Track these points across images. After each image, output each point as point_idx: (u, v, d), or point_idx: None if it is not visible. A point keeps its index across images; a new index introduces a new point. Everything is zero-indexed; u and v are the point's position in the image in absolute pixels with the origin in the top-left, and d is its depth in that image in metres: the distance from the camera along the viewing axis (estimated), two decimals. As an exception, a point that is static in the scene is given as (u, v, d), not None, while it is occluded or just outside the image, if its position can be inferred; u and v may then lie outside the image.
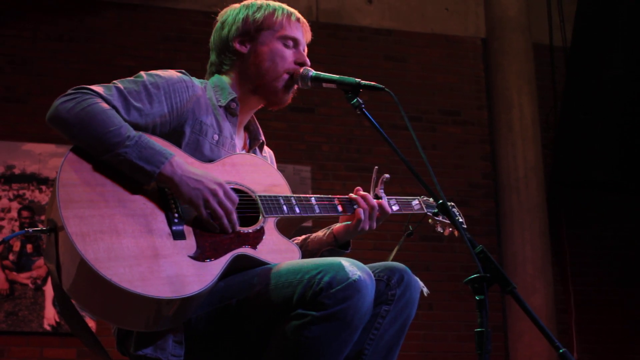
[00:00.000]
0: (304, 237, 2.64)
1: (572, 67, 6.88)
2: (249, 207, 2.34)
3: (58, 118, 2.17)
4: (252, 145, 2.61)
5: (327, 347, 2.07)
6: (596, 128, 6.56)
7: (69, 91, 2.21)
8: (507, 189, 6.96)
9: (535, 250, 6.77)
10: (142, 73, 2.34)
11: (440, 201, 2.17)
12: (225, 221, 2.22)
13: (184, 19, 6.69)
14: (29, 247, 5.92)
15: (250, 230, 2.29)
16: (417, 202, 2.78)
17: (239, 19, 2.53)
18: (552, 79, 7.41)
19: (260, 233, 2.30)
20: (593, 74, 6.57)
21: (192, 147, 2.35)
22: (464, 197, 6.84)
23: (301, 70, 2.50)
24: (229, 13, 2.57)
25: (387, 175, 2.66)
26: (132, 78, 2.33)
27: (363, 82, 2.37)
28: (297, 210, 2.42)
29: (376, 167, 2.68)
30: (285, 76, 2.50)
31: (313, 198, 2.48)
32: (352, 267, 2.08)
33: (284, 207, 2.39)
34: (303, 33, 2.56)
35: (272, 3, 2.57)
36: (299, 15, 2.58)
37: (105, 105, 2.19)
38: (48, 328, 5.81)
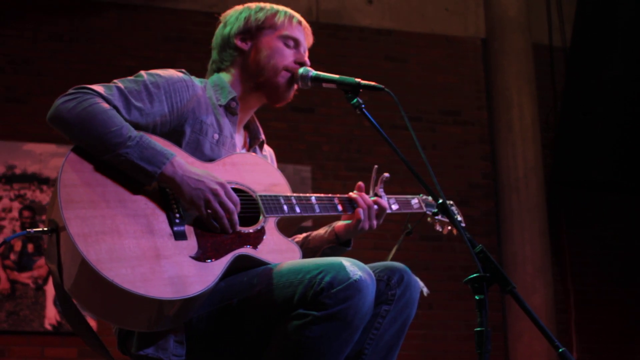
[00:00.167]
0: (305, 234, 2.65)
1: (571, 67, 6.89)
2: (250, 206, 2.35)
3: (59, 118, 2.18)
4: (252, 144, 2.62)
5: (328, 346, 2.07)
6: (596, 128, 6.56)
7: (70, 91, 2.21)
8: (507, 189, 6.97)
9: (535, 250, 6.78)
10: (143, 72, 2.35)
11: (440, 200, 2.17)
12: (226, 221, 2.23)
13: (184, 20, 6.70)
14: (30, 247, 5.93)
15: (251, 230, 2.30)
16: (417, 200, 2.79)
17: (242, 18, 2.55)
18: (551, 79, 7.41)
19: (261, 233, 2.31)
20: (593, 74, 6.58)
21: (192, 146, 2.35)
22: (464, 197, 6.84)
23: (301, 69, 2.51)
24: (232, 13, 2.60)
25: (386, 175, 2.67)
26: (132, 77, 2.33)
27: (363, 82, 2.38)
28: (298, 209, 2.42)
29: (376, 166, 2.69)
30: (286, 73, 2.51)
31: (313, 197, 2.49)
32: (353, 267, 2.09)
33: (285, 207, 2.39)
34: (305, 36, 2.58)
35: (275, 5, 2.59)
36: (302, 19, 2.60)
37: (106, 105, 2.20)
38: (49, 328, 5.82)
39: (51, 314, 5.82)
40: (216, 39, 2.59)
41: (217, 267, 2.16)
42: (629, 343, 7.11)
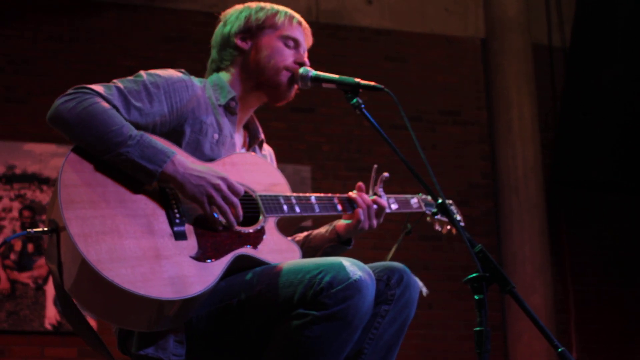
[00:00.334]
0: (306, 233, 2.65)
1: (571, 67, 6.89)
2: (250, 206, 2.35)
3: (59, 118, 2.18)
4: (252, 143, 2.62)
5: (328, 346, 2.08)
6: (595, 128, 6.57)
7: (70, 91, 2.22)
8: (506, 188, 6.97)
9: (535, 250, 6.78)
10: (142, 72, 2.35)
11: (440, 200, 2.18)
12: (231, 215, 2.23)
13: (184, 20, 6.70)
14: (30, 247, 5.93)
15: (251, 230, 2.30)
16: (416, 200, 2.79)
17: (242, 17, 2.55)
18: (551, 79, 7.41)
19: (261, 233, 2.31)
20: (592, 74, 6.58)
21: (192, 146, 2.36)
22: (464, 197, 6.85)
23: (301, 70, 2.51)
24: (232, 12, 2.60)
25: (386, 174, 2.67)
26: (132, 77, 2.33)
27: (362, 82, 2.38)
28: (298, 209, 2.43)
29: (375, 165, 2.69)
30: (286, 72, 2.51)
31: (313, 197, 2.49)
32: (352, 267, 2.09)
33: (285, 207, 2.40)
34: (304, 36, 2.58)
35: (275, 5, 2.59)
36: (302, 20, 2.60)
37: (106, 105, 2.20)
38: (49, 327, 5.82)
39: (51, 314, 5.83)
40: (216, 38, 2.60)
41: (217, 267, 2.16)
42: (628, 343, 7.11)
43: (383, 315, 2.30)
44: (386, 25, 7.26)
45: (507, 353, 6.72)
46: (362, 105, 2.35)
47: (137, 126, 2.25)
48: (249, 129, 2.64)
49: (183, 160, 2.22)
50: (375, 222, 2.58)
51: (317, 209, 2.48)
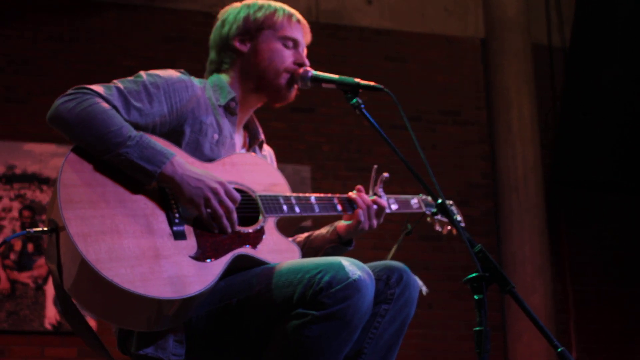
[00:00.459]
0: (307, 234, 2.65)
1: (571, 67, 6.89)
2: (249, 206, 2.35)
3: (59, 118, 2.18)
4: (252, 144, 2.62)
5: (327, 346, 2.08)
6: (595, 128, 6.57)
7: (69, 91, 2.22)
8: (506, 188, 6.97)
9: (534, 250, 6.78)
10: (142, 73, 2.35)
11: (440, 200, 2.18)
12: (224, 220, 2.23)
13: (184, 20, 6.70)
14: (30, 247, 5.93)
15: (250, 230, 2.30)
16: (416, 200, 2.79)
17: (240, 18, 2.54)
18: (551, 79, 7.41)
19: (260, 233, 2.31)
20: (592, 74, 6.58)
21: (192, 146, 2.36)
22: (464, 197, 6.85)
23: (301, 70, 2.51)
24: (230, 12, 2.58)
25: (386, 174, 2.67)
26: (131, 78, 2.33)
27: (362, 82, 2.38)
28: (297, 209, 2.43)
29: (375, 165, 2.69)
30: (286, 75, 2.51)
31: (313, 197, 2.49)
32: (352, 266, 2.09)
33: (284, 207, 2.40)
34: (303, 34, 2.58)
35: (273, 3, 2.58)
36: (300, 17, 2.59)
37: (105, 105, 2.20)
38: (49, 327, 5.82)
39: (51, 314, 5.83)
40: (214, 39, 2.59)
41: (216, 267, 2.16)
42: (628, 343, 7.11)
43: (383, 315, 2.30)
44: (386, 25, 7.26)
45: (506, 353, 6.72)
46: (362, 105, 2.35)
47: (137, 126, 2.25)
48: (249, 129, 2.64)
49: (182, 162, 2.22)
50: (375, 222, 2.58)
51: (316, 209, 2.48)
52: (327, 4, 7.08)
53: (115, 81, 2.30)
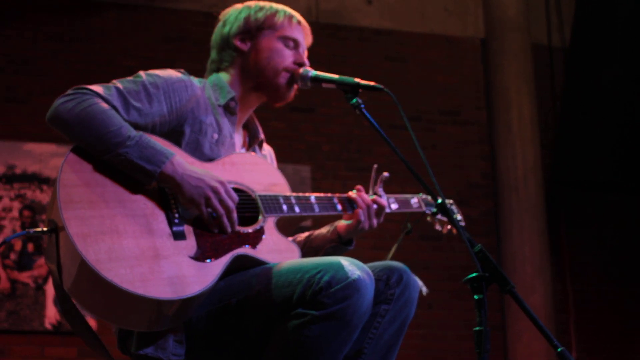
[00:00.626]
0: (307, 234, 2.65)
1: (571, 67, 6.89)
2: (249, 206, 2.35)
3: (58, 118, 2.18)
4: (252, 143, 2.62)
5: (327, 346, 2.08)
6: (595, 128, 6.57)
7: (69, 91, 2.22)
8: (506, 188, 6.97)
9: (534, 250, 6.78)
10: (141, 73, 2.35)
11: (440, 200, 2.18)
12: (225, 220, 2.23)
13: (184, 20, 6.70)
14: (30, 247, 5.93)
15: (250, 230, 2.30)
16: (416, 200, 2.80)
17: (241, 18, 2.55)
18: (551, 79, 7.41)
19: (260, 233, 2.31)
20: (592, 74, 6.59)
21: (192, 146, 2.36)
22: (464, 197, 6.84)
23: (301, 70, 2.51)
24: (231, 12, 2.59)
25: (386, 174, 2.67)
26: (131, 78, 2.33)
27: (362, 82, 2.38)
28: (297, 209, 2.43)
29: (375, 165, 2.69)
30: (285, 74, 2.51)
31: (312, 197, 2.49)
32: (351, 266, 2.09)
33: (284, 207, 2.40)
34: (304, 36, 2.58)
35: (274, 5, 2.58)
36: (301, 19, 2.59)
37: (105, 105, 2.20)
38: (49, 327, 5.82)
39: (51, 314, 5.83)
40: (215, 38, 2.59)
41: (216, 267, 2.16)
42: (628, 343, 7.11)
43: (383, 315, 2.30)
44: (386, 25, 7.26)
45: (506, 353, 6.72)
46: (362, 105, 2.35)
47: (137, 126, 2.25)
48: (248, 128, 2.64)
49: (182, 162, 2.22)
50: (375, 221, 2.58)
51: (316, 209, 2.48)
52: (327, 4, 7.08)
53: (114, 81, 2.30)
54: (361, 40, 7.15)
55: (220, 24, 2.60)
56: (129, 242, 2.08)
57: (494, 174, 7.13)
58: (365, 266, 2.14)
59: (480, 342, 1.92)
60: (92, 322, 2.28)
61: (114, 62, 6.41)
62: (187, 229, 2.20)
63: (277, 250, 2.31)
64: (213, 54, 2.59)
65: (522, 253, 6.77)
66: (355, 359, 2.30)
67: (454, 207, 2.89)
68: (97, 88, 2.24)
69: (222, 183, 2.24)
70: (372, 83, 2.38)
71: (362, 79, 2.40)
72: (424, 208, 2.81)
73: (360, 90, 2.38)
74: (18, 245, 5.92)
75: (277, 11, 2.56)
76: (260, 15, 2.54)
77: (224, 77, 2.53)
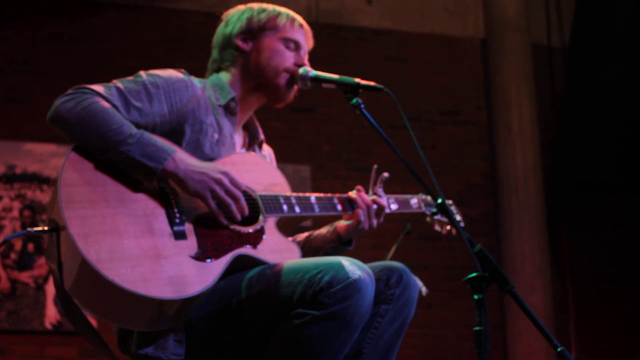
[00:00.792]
0: (307, 234, 2.66)
1: (571, 67, 6.90)
2: (250, 206, 2.35)
3: (59, 118, 2.19)
4: (252, 143, 2.62)
5: (327, 346, 2.08)
6: (595, 128, 6.58)
7: (69, 91, 2.22)
8: (506, 188, 6.98)
9: (534, 249, 6.79)
10: (142, 73, 2.35)
11: (439, 200, 2.18)
12: (234, 208, 2.24)
13: (184, 20, 6.70)
14: (30, 247, 5.93)
15: (250, 230, 2.30)
16: (416, 200, 2.80)
17: (244, 18, 2.56)
18: (551, 79, 7.42)
19: (260, 233, 2.32)
20: (592, 74, 6.59)
21: (192, 146, 2.36)
22: (463, 197, 6.85)
23: (300, 70, 2.51)
24: (234, 13, 2.60)
25: (386, 174, 2.68)
26: (131, 78, 2.33)
27: (362, 82, 2.38)
28: (297, 209, 2.43)
29: (375, 165, 2.70)
30: (286, 74, 2.52)
31: (313, 197, 2.49)
32: (352, 266, 2.09)
33: (284, 207, 2.40)
34: (305, 39, 2.59)
35: (277, 7, 2.59)
36: (303, 22, 2.60)
37: (105, 104, 2.20)
38: (49, 327, 5.83)
39: (51, 314, 5.83)
40: (217, 38, 2.60)
41: (216, 267, 2.17)
42: (628, 343, 7.11)
43: (383, 315, 2.30)
44: (386, 25, 7.26)
45: (506, 353, 6.73)
46: (362, 105, 2.35)
47: (137, 126, 2.25)
48: (248, 129, 2.64)
49: (184, 157, 2.22)
50: (375, 222, 2.58)
51: (316, 209, 2.48)
52: (327, 4, 7.08)
53: (115, 81, 2.30)
54: (361, 40, 7.16)
55: (222, 24, 2.60)
56: (129, 242, 2.09)
57: (494, 174, 7.13)
58: (365, 266, 2.15)
59: (480, 342, 1.92)
60: (92, 322, 2.28)
61: (114, 62, 6.41)
62: (188, 229, 2.20)
63: (278, 250, 2.31)
64: (214, 54, 2.60)
65: (522, 253, 6.77)
66: (355, 359, 2.30)
67: (453, 208, 2.89)
68: (97, 87, 2.24)
69: (225, 173, 2.25)
70: (372, 83, 2.38)
71: (362, 79, 2.40)
72: (423, 209, 2.81)
73: (360, 90, 2.38)
74: (18, 245, 5.92)
75: (279, 13, 2.57)
76: (263, 16, 2.55)
77: (224, 77, 2.54)
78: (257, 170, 2.45)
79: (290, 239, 2.42)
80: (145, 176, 2.18)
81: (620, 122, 6.50)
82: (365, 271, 2.11)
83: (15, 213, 5.96)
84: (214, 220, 2.25)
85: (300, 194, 2.47)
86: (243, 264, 2.24)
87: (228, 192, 2.23)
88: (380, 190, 2.66)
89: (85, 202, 2.10)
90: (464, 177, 7.10)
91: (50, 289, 5.82)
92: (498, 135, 7.12)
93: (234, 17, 2.58)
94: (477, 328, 1.93)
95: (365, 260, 2.21)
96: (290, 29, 2.55)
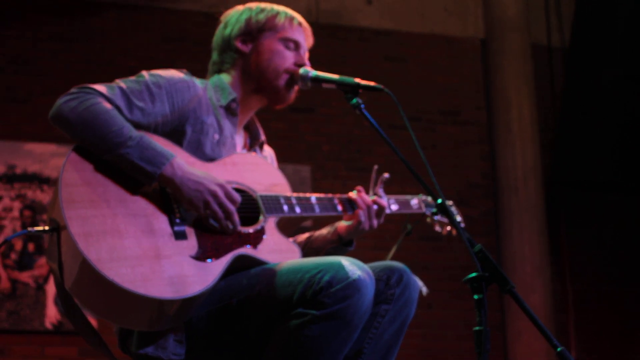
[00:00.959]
0: (307, 234, 2.66)
1: (570, 67, 6.90)
2: (250, 206, 2.36)
3: (61, 117, 2.19)
4: (253, 144, 2.62)
5: (327, 345, 2.08)
6: (595, 128, 6.58)
7: (72, 90, 2.23)
8: (506, 189, 6.98)
9: (534, 249, 6.79)
10: (144, 72, 2.35)
11: (439, 200, 2.18)
12: (225, 222, 2.24)
13: (184, 20, 6.70)
14: (30, 247, 5.93)
15: (251, 230, 2.30)
16: (416, 201, 2.80)
17: (242, 19, 2.55)
18: (550, 79, 7.42)
19: (261, 233, 2.32)
20: (592, 74, 6.59)
21: (193, 146, 2.36)
22: (463, 197, 6.85)
23: (300, 70, 2.51)
24: (232, 14, 2.59)
25: (386, 175, 2.68)
26: (133, 78, 2.34)
27: (362, 82, 2.38)
28: (298, 210, 2.43)
29: (376, 166, 2.70)
30: (286, 75, 2.52)
31: (313, 197, 2.49)
32: (352, 266, 2.10)
33: (285, 207, 2.40)
34: (305, 37, 2.58)
35: (275, 7, 2.59)
36: (302, 20, 2.60)
37: (107, 105, 2.21)
38: (49, 327, 5.83)
39: (52, 313, 5.83)
40: (216, 40, 2.60)
41: (217, 267, 2.17)
42: (628, 343, 7.11)
43: (383, 315, 2.31)
44: (386, 25, 7.26)
45: (506, 353, 6.73)
46: (362, 106, 2.36)
47: (139, 126, 2.25)
48: (249, 130, 2.64)
49: (182, 164, 2.22)
50: (375, 222, 2.58)
51: (317, 210, 2.48)
52: (327, 5, 7.08)
53: (117, 81, 2.31)
54: (361, 40, 7.16)
55: (221, 25, 2.60)
56: (130, 242, 2.09)
57: (494, 174, 7.13)
58: (365, 266, 2.15)
59: (480, 341, 1.92)
60: (92, 322, 2.28)
61: (114, 62, 6.41)
62: (188, 229, 2.20)
63: (278, 251, 2.31)
64: (214, 56, 2.60)
65: (522, 253, 6.78)
66: (355, 359, 2.30)
67: (453, 208, 2.89)
68: (100, 87, 2.24)
69: (221, 186, 2.24)
70: (372, 83, 2.38)
71: (362, 79, 2.40)
72: (423, 209, 2.82)
73: (360, 91, 2.38)
74: (18, 245, 5.92)
75: (278, 13, 2.56)
76: (262, 16, 2.54)
77: (225, 78, 2.54)
78: (257, 170, 2.45)
79: (290, 239, 2.42)
80: (144, 179, 2.19)
81: (620, 122, 6.50)
82: (365, 271, 2.11)
83: (16, 213, 5.96)
84: None
85: (301, 195, 2.47)
86: (243, 264, 2.25)
87: (222, 205, 2.23)
88: (380, 191, 2.66)
89: (86, 202, 2.11)
90: (463, 177, 7.10)
91: (51, 289, 5.83)
92: (498, 135, 7.12)
93: (232, 19, 2.57)
94: (477, 328, 1.93)
95: (365, 260, 2.21)
96: (289, 28, 2.55)
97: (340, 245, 2.59)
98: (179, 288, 2.07)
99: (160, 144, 2.23)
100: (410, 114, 6.69)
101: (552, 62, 7.43)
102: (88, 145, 2.18)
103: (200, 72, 2.63)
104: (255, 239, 2.29)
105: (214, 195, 2.22)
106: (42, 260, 5.88)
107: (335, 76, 2.45)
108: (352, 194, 2.57)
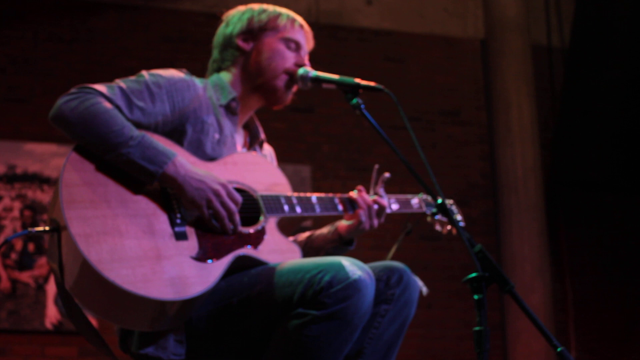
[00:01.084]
0: (308, 233, 2.66)
1: (570, 68, 6.90)
2: (250, 206, 2.36)
3: (61, 117, 2.19)
4: (253, 143, 2.62)
5: (327, 345, 2.08)
6: (595, 128, 6.58)
7: (72, 90, 2.22)
8: (505, 189, 6.98)
9: (534, 249, 6.79)
10: (144, 72, 2.36)
11: (439, 200, 2.18)
12: (227, 222, 2.24)
13: (185, 20, 6.70)
14: (30, 247, 5.94)
15: (251, 231, 2.30)
16: (417, 200, 2.80)
17: (244, 18, 2.56)
18: (550, 79, 7.42)
19: (261, 233, 2.32)
20: (591, 74, 6.59)
21: (194, 145, 2.36)
22: (463, 197, 6.85)
23: (300, 70, 2.52)
24: (234, 13, 2.60)
25: (387, 175, 2.68)
26: (134, 77, 2.34)
27: (362, 82, 2.38)
28: (298, 209, 2.43)
29: (376, 165, 2.70)
30: (285, 76, 2.52)
31: (314, 197, 2.50)
32: (352, 266, 2.10)
33: (285, 207, 2.40)
34: (306, 39, 2.59)
35: (277, 8, 2.60)
36: (304, 23, 2.61)
37: (108, 105, 2.21)
38: (49, 327, 5.83)
39: (52, 313, 5.84)
40: (218, 38, 2.60)
41: (217, 268, 2.17)
42: (628, 343, 7.12)
43: (383, 315, 2.31)
44: (386, 26, 7.26)
45: (506, 353, 6.73)
46: (362, 106, 2.36)
47: (140, 125, 2.26)
48: (249, 128, 2.65)
49: (184, 162, 2.22)
50: (376, 222, 2.59)
51: (318, 209, 2.48)
52: (327, 5, 7.08)
53: (117, 80, 2.31)
54: (361, 40, 7.16)
55: (223, 24, 2.61)
56: (130, 243, 2.09)
57: (494, 174, 7.14)
58: (365, 266, 2.15)
59: (479, 341, 1.93)
60: (93, 321, 2.29)
61: (114, 62, 6.42)
62: (189, 230, 2.20)
63: (279, 251, 2.31)
64: (215, 54, 2.60)
65: (522, 253, 6.78)
66: (355, 359, 2.30)
67: (453, 208, 2.90)
68: (100, 87, 2.24)
69: (223, 185, 2.25)
70: (372, 83, 2.39)
71: (362, 79, 2.40)
72: (424, 209, 2.82)
73: (360, 91, 2.38)
74: (19, 245, 5.92)
75: (280, 14, 2.57)
76: (264, 16, 2.55)
77: (225, 77, 2.54)
78: (258, 169, 2.45)
79: (291, 239, 2.42)
80: (145, 179, 2.19)
81: (620, 122, 6.50)
82: (366, 271, 2.12)
83: (16, 213, 5.96)
84: None
85: (302, 194, 2.47)
86: (244, 264, 2.25)
87: (224, 204, 2.23)
88: (381, 190, 2.66)
89: (87, 202, 2.11)
90: (463, 177, 7.11)
91: (51, 289, 5.83)
92: (498, 135, 7.12)
93: (234, 18, 2.58)
94: (476, 328, 1.93)
95: (365, 260, 2.22)
96: (290, 29, 2.56)
97: (340, 244, 2.59)
98: (179, 289, 2.07)
99: (162, 143, 2.24)
100: (410, 114, 6.71)
101: (552, 63, 7.43)
102: (89, 145, 2.18)
103: (200, 72, 2.64)
104: (256, 239, 2.29)
105: (217, 194, 2.22)
106: (42, 261, 5.89)
107: (335, 76, 2.45)
108: (353, 194, 2.58)
